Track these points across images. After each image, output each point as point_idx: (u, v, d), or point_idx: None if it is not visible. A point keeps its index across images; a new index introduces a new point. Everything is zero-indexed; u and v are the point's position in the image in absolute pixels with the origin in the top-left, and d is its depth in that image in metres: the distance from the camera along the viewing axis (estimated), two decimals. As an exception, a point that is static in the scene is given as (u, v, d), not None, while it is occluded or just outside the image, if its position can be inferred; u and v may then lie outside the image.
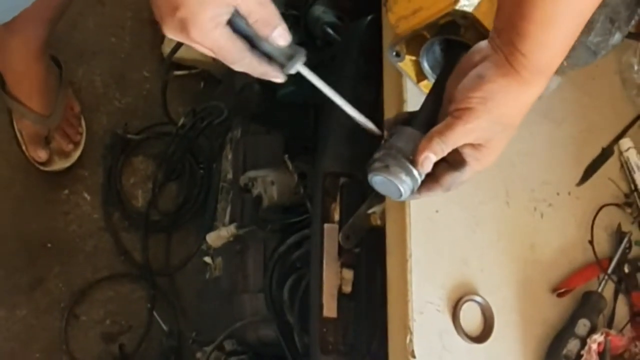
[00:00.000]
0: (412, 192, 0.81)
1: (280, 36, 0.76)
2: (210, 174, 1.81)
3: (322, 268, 1.09)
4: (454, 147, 0.78)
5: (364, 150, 1.09)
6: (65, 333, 1.67)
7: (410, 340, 0.94)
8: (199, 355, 1.57)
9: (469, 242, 1.04)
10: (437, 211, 1.02)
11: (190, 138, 1.80)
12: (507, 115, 0.78)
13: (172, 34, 0.74)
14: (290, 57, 0.78)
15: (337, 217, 1.14)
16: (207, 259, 1.68)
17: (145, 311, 1.74)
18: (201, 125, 1.80)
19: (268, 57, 0.77)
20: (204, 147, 1.83)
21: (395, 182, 0.79)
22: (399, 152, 0.80)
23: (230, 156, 1.73)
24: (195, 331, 1.68)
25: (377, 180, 0.81)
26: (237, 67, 0.77)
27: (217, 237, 1.59)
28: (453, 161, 0.81)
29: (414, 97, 1.05)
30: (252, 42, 0.76)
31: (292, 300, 1.39)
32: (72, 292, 1.70)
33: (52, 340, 1.66)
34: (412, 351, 0.94)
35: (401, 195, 0.81)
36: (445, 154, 0.78)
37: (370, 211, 1.10)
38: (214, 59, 0.79)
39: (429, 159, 0.78)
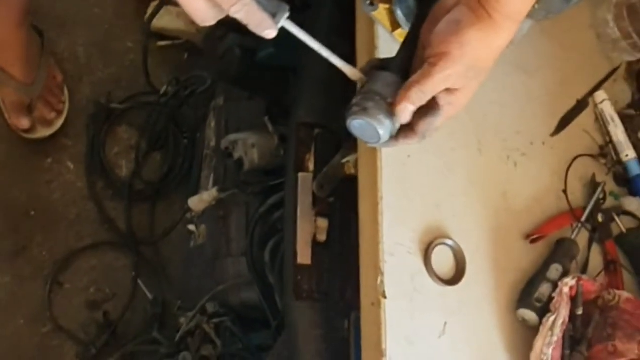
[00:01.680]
0: (391, 136, 0.81)
1: None
2: (194, 143, 1.81)
3: (296, 216, 1.10)
4: (433, 94, 0.79)
5: (339, 101, 1.10)
6: (49, 300, 1.67)
7: (382, 281, 0.95)
8: (182, 320, 1.57)
9: (441, 188, 1.05)
10: (409, 156, 1.03)
11: (173, 107, 1.80)
12: (481, 60, 0.79)
13: None
14: (274, 14, 0.77)
15: (311, 167, 1.14)
16: (191, 227, 1.68)
17: (129, 279, 1.74)
18: (184, 94, 1.80)
19: None
20: (187, 117, 1.83)
21: (374, 125, 0.79)
22: (377, 94, 0.80)
23: (213, 124, 1.73)
24: (180, 299, 1.68)
25: (356, 125, 0.81)
26: (234, 11, 0.73)
27: (199, 201, 1.60)
28: (428, 107, 0.81)
29: (386, 43, 1.06)
30: None
31: (273, 262, 1.40)
32: (56, 260, 1.69)
33: (36, 307, 1.66)
34: (384, 292, 0.95)
35: (379, 139, 0.80)
36: (424, 102, 0.79)
37: (344, 160, 1.11)
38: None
39: (407, 109, 0.79)
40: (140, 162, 1.81)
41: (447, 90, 0.79)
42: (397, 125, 0.81)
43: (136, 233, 1.77)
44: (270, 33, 0.77)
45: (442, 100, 0.80)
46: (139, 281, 1.74)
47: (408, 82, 0.79)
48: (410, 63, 0.84)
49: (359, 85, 0.84)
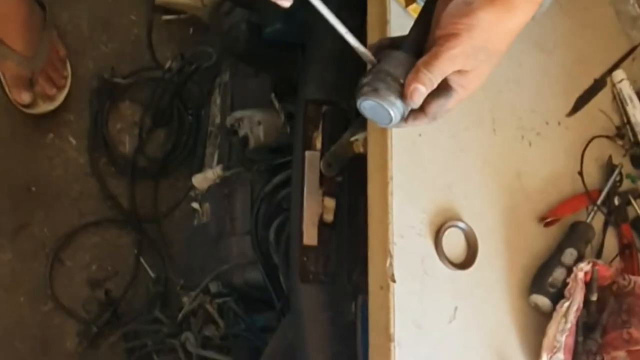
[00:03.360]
0: (402, 117, 0.78)
1: None
2: (199, 120, 1.78)
3: (303, 195, 1.06)
4: (443, 76, 0.76)
5: (348, 77, 1.06)
6: (50, 278, 1.65)
7: (391, 264, 0.92)
8: (185, 300, 1.55)
9: (452, 168, 1.01)
10: (420, 135, 0.99)
11: (178, 83, 1.76)
12: (492, 42, 0.75)
13: None
14: None
15: (319, 145, 1.11)
16: (195, 205, 1.66)
17: (132, 257, 1.72)
18: (189, 70, 1.77)
19: None
20: (192, 93, 1.79)
21: (385, 106, 0.76)
22: (388, 75, 0.77)
23: (218, 100, 1.70)
24: (182, 278, 1.66)
25: (366, 106, 0.78)
26: None
27: (203, 179, 1.57)
28: (439, 88, 0.78)
29: (398, 18, 1.02)
30: None
31: (277, 241, 1.37)
32: (57, 237, 1.67)
33: (37, 284, 1.64)
34: (392, 275, 0.91)
35: (391, 120, 0.77)
36: (434, 85, 0.76)
37: (353, 139, 1.07)
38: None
39: (418, 91, 0.75)
40: (144, 139, 1.78)
41: (459, 72, 0.76)
42: (409, 107, 0.77)
43: (139, 210, 1.75)
44: (285, 1, 0.73)
45: (454, 83, 0.77)
46: (141, 259, 1.72)
47: (417, 64, 0.76)
48: (423, 41, 0.80)
49: (369, 65, 0.80)
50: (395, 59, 0.78)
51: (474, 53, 0.75)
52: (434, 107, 0.78)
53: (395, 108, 0.76)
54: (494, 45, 0.75)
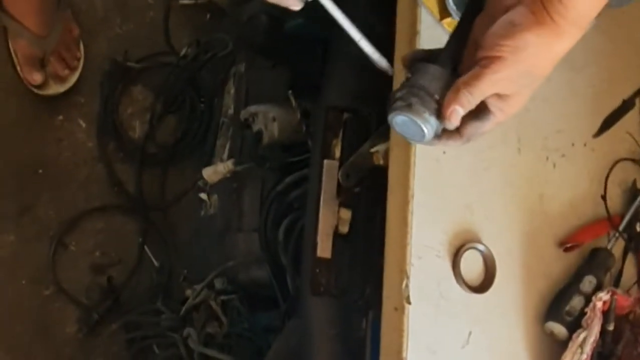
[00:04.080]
0: (435, 134, 0.75)
1: None
2: (212, 108, 1.75)
3: (319, 205, 1.04)
4: (482, 98, 0.73)
5: (372, 85, 1.03)
6: (53, 262, 1.63)
7: (407, 285, 0.90)
8: (188, 292, 1.53)
9: (474, 188, 0.98)
10: (444, 152, 0.96)
11: (192, 70, 1.74)
12: (537, 67, 0.72)
13: None
14: None
15: (337, 153, 1.08)
16: (203, 196, 1.64)
17: (136, 245, 1.70)
18: (204, 57, 1.74)
19: None
20: (206, 81, 1.76)
21: (418, 122, 0.73)
22: (422, 89, 0.74)
23: (232, 91, 1.67)
24: (186, 269, 1.64)
25: (398, 121, 0.75)
26: None
27: (213, 172, 1.54)
28: (476, 111, 0.75)
29: (428, 30, 0.99)
30: None
31: (286, 242, 1.35)
32: (62, 221, 1.65)
33: (40, 268, 1.62)
34: (408, 297, 0.89)
35: (423, 137, 0.75)
36: (473, 106, 0.73)
37: (373, 150, 1.05)
38: None
39: (456, 112, 0.73)
40: (154, 125, 1.76)
41: (498, 95, 0.74)
42: (443, 126, 0.75)
43: (146, 198, 1.73)
44: (294, 4, 0.70)
45: (493, 106, 0.74)
46: (146, 248, 1.70)
47: (457, 83, 0.73)
48: (459, 57, 0.78)
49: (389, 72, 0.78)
50: (429, 73, 0.75)
51: (517, 78, 0.72)
52: (470, 129, 0.76)
53: (429, 125, 0.74)
54: (539, 70, 0.73)
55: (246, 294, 1.46)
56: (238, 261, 1.45)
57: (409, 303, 0.89)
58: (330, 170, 1.06)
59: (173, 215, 1.74)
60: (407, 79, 0.76)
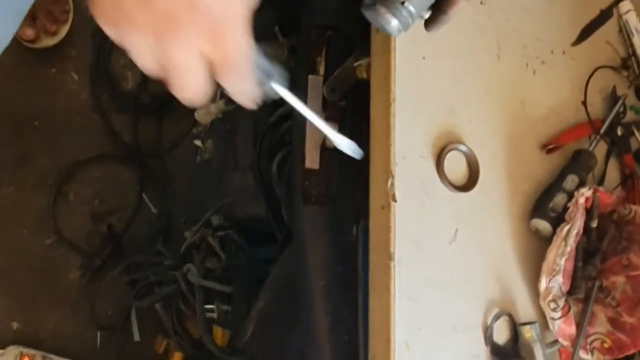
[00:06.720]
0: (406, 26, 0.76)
1: None
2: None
3: (305, 119, 1.05)
4: None
5: (353, 2, 1.05)
6: (53, 211, 1.65)
7: (392, 184, 0.92)
8: (186, 234, 1.56)
9: (456, 92, 1.00)
10: (423, 58, 0.98)
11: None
12: None
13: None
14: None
15: (322, 71, 1.10)
16: (198, 142, 1.66)
17: (134, 193, 1.73)
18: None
19: None
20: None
21: (379, 18, 0.75)
22: None
23: (222, 36, 1.68)
24: (184, 215, 1.67)
25: (369, 16, 0.76)
26: (239, 82, 0.61)
27: (205, 114, 1.57)
28: None
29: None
30: None
31: (280, 174, 1.37)
32: (60, 170, 1.67)
33: (40, 217, 1.65)
34: (394, 195, 0.91)
35: (392, 29, 0.75)
36: None
37: (356, 64, 1.07)
38: None
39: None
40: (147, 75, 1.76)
41: None
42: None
43: (141, 146, 1.75)
44: (251, 104, 0.64)
45: None
46: (144, 195, 1.72)
47: None
48: None
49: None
50: None
51: None
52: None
53: (394, 19, 0.74)
54: None
55: (243, 230, 1.49)
56: (234, 197, 1.47)
57: (395, 201, 0.91)
58: (315, 85, 1.08)
59: (169, 162, 1.77)
60: None
